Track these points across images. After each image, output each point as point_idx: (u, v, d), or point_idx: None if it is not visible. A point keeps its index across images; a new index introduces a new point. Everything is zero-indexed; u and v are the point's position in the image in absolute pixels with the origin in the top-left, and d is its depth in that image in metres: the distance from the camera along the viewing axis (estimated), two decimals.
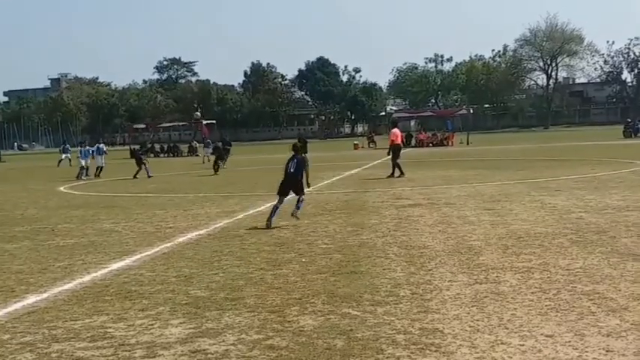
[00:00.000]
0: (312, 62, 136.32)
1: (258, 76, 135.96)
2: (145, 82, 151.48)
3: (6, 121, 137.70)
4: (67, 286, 8.59)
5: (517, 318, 6.43)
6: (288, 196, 13.76)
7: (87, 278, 9.06)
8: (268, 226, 12.82)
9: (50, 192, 25.00)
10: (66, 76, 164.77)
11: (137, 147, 39.81)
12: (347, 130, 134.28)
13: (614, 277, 7.89)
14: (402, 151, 26.39)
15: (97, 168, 33.73)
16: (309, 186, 14.30)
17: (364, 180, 24.16)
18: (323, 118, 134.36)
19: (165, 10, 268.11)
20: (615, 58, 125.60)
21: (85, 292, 8.27)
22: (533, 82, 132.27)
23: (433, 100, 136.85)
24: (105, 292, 8.22)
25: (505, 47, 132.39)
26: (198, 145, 60.86)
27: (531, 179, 21.30)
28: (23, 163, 62.61)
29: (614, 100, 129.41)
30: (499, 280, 7.98)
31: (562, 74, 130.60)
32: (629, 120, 67.54)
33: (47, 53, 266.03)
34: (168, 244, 11.55)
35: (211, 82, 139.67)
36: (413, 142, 59.41)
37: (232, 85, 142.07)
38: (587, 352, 5.47)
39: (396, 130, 26.58)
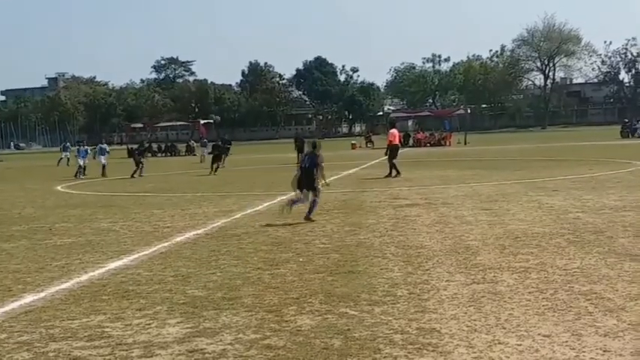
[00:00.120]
0: (310, 62, 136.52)
1: (256, 75, 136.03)
2: (142, 81, 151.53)
3: (3, 120, 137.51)
4: (64, 286, 8.59)
5: (514, 318, 6.44)
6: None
7: (84, 277, 9.05)
8: (286, 212, 13.46)
9: (47, 191, 24.98)
10: (63, 75, 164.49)
11: (135, 147, 39.77)
12: (344, 129, 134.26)
13: (611, 277, 7.90)
14: (399, 151, 26.37)
15: (103, 167, 33.49)
16: (327, 184, 14.50)
17: (362, 180, 24.16)
18: (320, 117, 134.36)
19: (163, 9, 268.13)
20: (613, 59, 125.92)
21: (83, 291, 8.26)
22: (530, 83, 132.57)
23: (431, 100, 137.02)
24: (102, 291, 8.21)
25: (503, 47, 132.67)
26: (195, 144, 60.84)
27: (529, 179, 21.32)
28: (20, 162, 62.52)
29: (612, 100, 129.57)
30: (496, 280, 7.99)
31: (559, 74, 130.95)
32: (627, 120, 67.70)
33: (45, 52, 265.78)
34: (166, 244, 11.54)
35: (209, 81, 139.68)
36: (410, 141, 59.43)
37: (230, 85, 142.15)
38: (584, 352, 5.47)
39: (394, 131, 26.59)
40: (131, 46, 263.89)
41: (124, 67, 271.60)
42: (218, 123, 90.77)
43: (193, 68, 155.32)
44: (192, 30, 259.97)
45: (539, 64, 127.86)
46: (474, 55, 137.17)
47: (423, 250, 10.03)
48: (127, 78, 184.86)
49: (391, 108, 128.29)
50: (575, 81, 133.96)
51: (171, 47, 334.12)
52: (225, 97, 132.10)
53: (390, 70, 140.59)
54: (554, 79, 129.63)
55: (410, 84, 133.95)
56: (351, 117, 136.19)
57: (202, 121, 76.87)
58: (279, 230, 12.53)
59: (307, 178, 13.75)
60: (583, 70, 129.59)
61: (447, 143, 59.14)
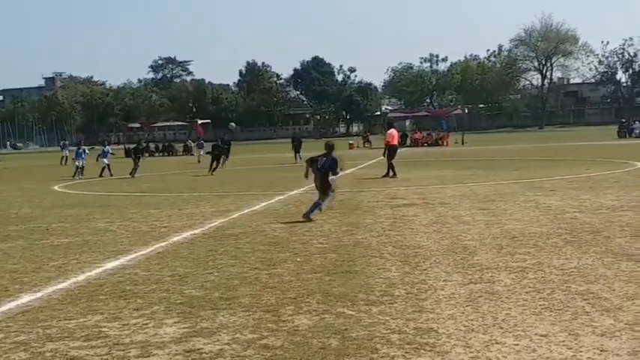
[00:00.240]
0: (307, 62, 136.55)
1: (254, 75, 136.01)
2: (139, 81, 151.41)
3: (0, 120, 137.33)
4: (61, 286, 8.58)
5: (511, 317, 6.44)
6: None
7: (81, 277, 9.04)
8: (308, 218, 13.31)
9: (45, 191, 24.95)
10: (60, 75, 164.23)
11: (131, 146, 39.71)
12: (342, 129, 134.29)
13: (608, 276, 7.91)
14: (397, 152, 26.26)
15: (108, 167, 33.36)
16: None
17: (359, 179, 24.13)
18: (318, 117, 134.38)
19: (160, 9, 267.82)
20: (610, 59, 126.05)
21: (80, 291, 8.25)
22: (528, 82, 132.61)
23: (428, 100, 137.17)
24: (99, 291, 8.20)
25: (500, 47, 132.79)
26: (193, 144, 60.84)
27: (526, 179, 21.34)
28: (18, 162, 62.45)
29: (609, 100, 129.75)
30: (493, 279, 7.99)
31: (557, 74, 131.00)
32: (624, 120, 67.83)
33: (42, 52, 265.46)
34: (163, 244, 11.53)
35: (206, 81, 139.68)
36: (408, 141, 59.46)
37: (227, 85, 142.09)
38: (581, 351, 5.47)
39: (392, 131, 26.52)
40: (128, 45, 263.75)
41: (121, 66, 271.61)
42: (213, 124, 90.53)
43: (191, 68, 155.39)
44: (190, 30, 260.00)
45: (536, 63, 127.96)
46: (471, 55, 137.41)
47: (421, 249, 10.03)
48: (125, 78, 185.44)
49: (389, 108, 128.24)
50: (572, 81, 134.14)
51: (168, 47, 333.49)
52: (223, 97, 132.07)
53: (388, 69, 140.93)
54: (551, 79, 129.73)
55: (407, 84, 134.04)
56: (348, 117, 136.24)
57: (200, 121, 76.76)
58: (276, 230, 12.52)
59: (322, 181, 13.84)
60: (580, 70, 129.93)
61: (445, 143, 59.19)
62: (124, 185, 26.62)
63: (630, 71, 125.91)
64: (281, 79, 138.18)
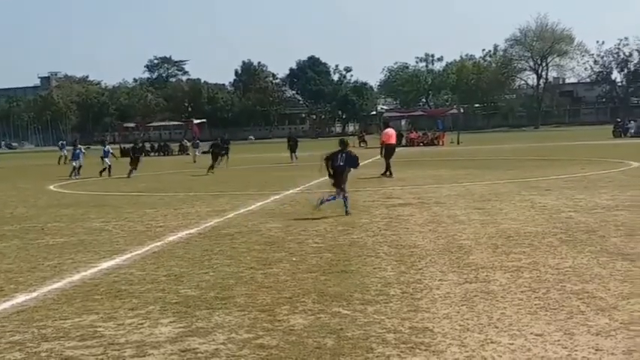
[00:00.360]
0: (303, 61, 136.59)
1: (249, 75, 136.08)
2: (135, 80, 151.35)
3: None
4: (56, 285, 8.56)
5: (507, 317, 6.45)
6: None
7: (76, 277, 9.02)
8: (317, 207, 14.02)
9: (40, 190, 24.91)
10: (56, 74, 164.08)
11: (128, 146, 39.65)
12: (338, 129, 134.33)
13: (603, 276, 7.92)
14: (394, 150, 26.09)
15: (109, 168, 33.29)
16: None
17: (355, 179, 24.07)
18: (314, 117, 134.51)
19: (157, 8, 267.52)
20: (605, 58, 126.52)
21: (75, 291, 8.24)
22: (523, 82, 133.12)
23: (424, 100, 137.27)
24: (94, 291, 8.19)
25: (495, 47, 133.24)
26: (188, 144, 60.82)
27: (521, 179, 21.36)
28: (13, 161, 62.33)
29: (604, 99, 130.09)
30: (489, 279, 8.00)
31: (552, 74, 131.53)
32: (619, 120, 67.99)
33: (38, 52, 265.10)
34: (159, 243, 11.52)
35: (202, 81, 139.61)
36: (404, 141, 59.47)
37: (223, 84, 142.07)
38: (576, 350, 5.48)
39: (388, 130, 26.42)
40: (124, 45, 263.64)
41: (116, 66, 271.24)
42: (209, 124, 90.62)
43: (186, 68, 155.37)
44: (186, 29, 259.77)
45: (531, 63, 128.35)
46: (466, 55, 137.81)
47: (416, 249, 10.04)
48: (120, 77, 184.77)
49: (384, 107, 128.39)
50: (567, 81, 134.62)
51: (164, 47, 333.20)
52: (219, 97, 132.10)
53: (384, 69, 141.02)
54: (546, 79, 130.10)
55: (403, 83, 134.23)
56: (344, 116, 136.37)
57: (195, 121, 76.70)
58: (272, 230, 12.52)
59: (339, 177, 14.24)
60: (575, 70, 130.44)
61: (440, 143, 59.23)
62: (120, 185, 26.57)
63: (625, 71, 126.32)
64: (277, 78, 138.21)
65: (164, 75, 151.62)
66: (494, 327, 6.16)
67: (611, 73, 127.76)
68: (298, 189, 20.77)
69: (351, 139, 65.73)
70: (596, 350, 5.47)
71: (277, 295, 7.61)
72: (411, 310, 6.81)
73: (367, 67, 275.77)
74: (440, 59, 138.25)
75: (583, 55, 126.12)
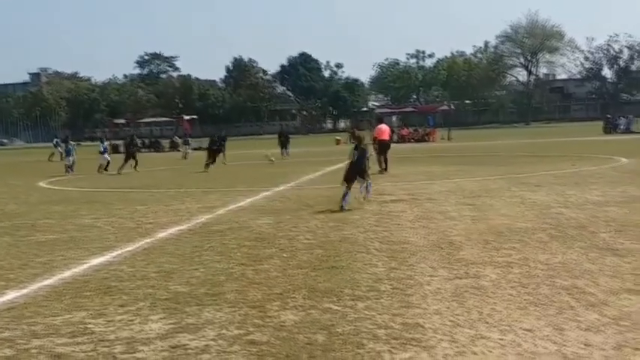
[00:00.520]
0: (294, 57, 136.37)
1: (240, 71, 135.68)
2: (125, 76, 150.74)
3: None
4: (47, 282, 8.54)
5: (497, 312, 6.47)
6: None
7: (67, 274, 9.00)
8: (342, 209, 14.15)
9: (31, 187, 24.82)
10: (46, 70, 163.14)
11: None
12: (329, 125, 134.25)
13: (593, 271, 7.95)
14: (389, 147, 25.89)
15: (107, 163, 33.17)
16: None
17: None
18: (305, 113, 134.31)
19: (147, 4, 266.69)
20: (595, 55, 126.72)
21: (65, 287, 8.22)
22: (514, 78, 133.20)
23: (415, 96, 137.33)
24: (85, 287, 8.17)
25: (486, 43, 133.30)
26: (179, 140, 60.72)
27: (512, 175, 21.41)
28: (3, 158, 62.06)
29: (594, 96, 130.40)
30: (479, 274, 8.02)
31: (542, 70, 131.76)
32: (609, 116, 68.13)
33: (27, 48, 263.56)
34: (149, 240, 11.50)
35: (193, 77, 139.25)
36: (395, 137, 59.48)
37: (214, 80, 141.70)
38: (566, 346, 5.51)
39: (381, 126, 26.27)
40: (114, 41, 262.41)
41: (106, 62, 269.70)
42: (200, 120, 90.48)
43: (177, 64, 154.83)
44: (176, 26, 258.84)
45: (522, 60, 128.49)
46: (457, 52, 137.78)
47: (407, 245, 10.05)
48: (110, 73, 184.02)
49: (375, 104, 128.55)
50: (558, 77, 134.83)
51: (154, 43, 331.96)
52: (210, 93, 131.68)
53: (375, 66, 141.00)
54: (537, 75, 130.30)
55: (394, 80, 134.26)
56: (335, 113, 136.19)
57: (186, 117, 76.58)
58: (262, 226, 12.51)
59: (357, 171, 15.08)
60: (566, 66, 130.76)
61: (431, 139, 59.32)
62: (111, 181, 26.51)
63: (615, 67, 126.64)
64: (268, 74, 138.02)
65: (155, 71, 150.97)
66: (484, 322, 6.18)
67: (602, 70, 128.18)
68: (289, 185, 20.76)
69: (343, 136, 66.26)
70: (586, 345, 5.50)
71: (268, 291, 7.61)
72: (402, 305, 6.82)
73: (358, 63, 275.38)
74: (431, 56, 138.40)
75: (573, 52, 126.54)
